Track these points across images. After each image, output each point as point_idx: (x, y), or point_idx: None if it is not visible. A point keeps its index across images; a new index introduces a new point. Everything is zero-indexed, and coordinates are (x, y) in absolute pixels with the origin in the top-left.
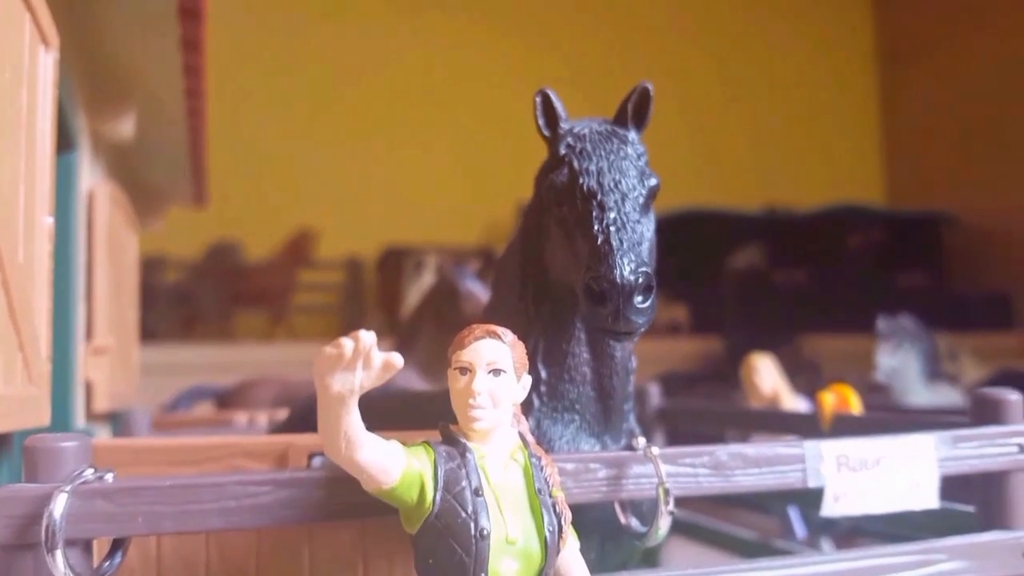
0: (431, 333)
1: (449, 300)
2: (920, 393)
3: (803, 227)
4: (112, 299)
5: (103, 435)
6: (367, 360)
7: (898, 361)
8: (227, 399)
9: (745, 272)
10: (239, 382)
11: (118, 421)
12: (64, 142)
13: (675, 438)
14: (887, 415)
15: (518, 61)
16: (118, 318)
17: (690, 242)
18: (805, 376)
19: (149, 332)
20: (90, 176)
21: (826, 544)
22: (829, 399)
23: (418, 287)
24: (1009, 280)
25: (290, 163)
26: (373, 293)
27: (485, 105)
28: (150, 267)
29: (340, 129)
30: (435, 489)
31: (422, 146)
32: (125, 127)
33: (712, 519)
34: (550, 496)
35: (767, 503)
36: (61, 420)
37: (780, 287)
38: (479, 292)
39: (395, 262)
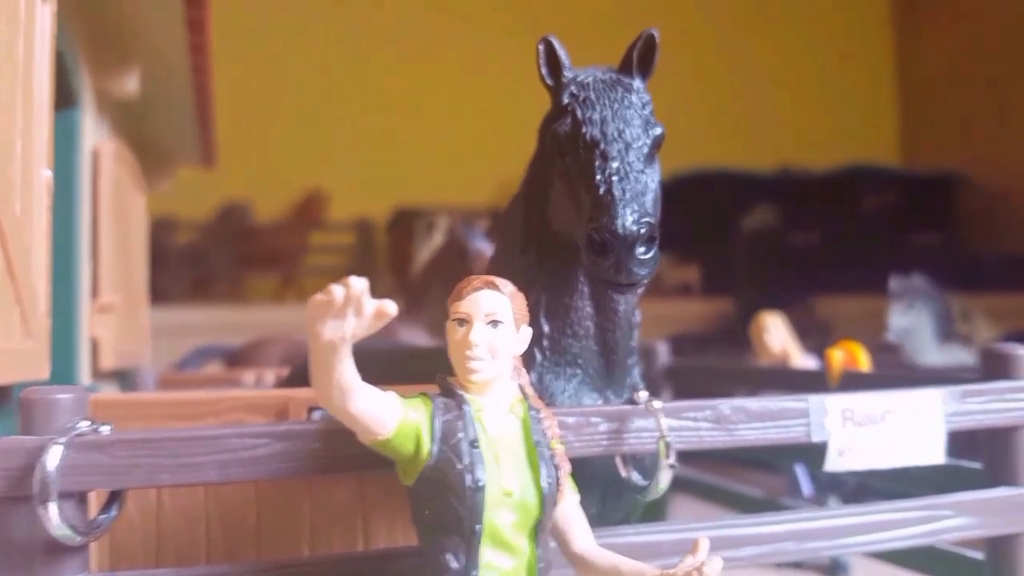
0: (441, 293)
1: (458, 259)
2: (933, 353)
3: (817, 187)
4: (118, 257)
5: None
6: (358, 307)
7: (910, 321)
8: (236, 358)
9: (758, 233)
10: (248, 341)
11: (126, 380)
12: (66, 99)
13: (683, 397)
14: (896, 372)
15: (529, 18)
16: (125, 277)
17: (702, 203)
18: (816, 337)
19: (160, 293)
20: (94, 134)
21: (833, 502)
22: (838, 356)
23: (429, 248)
24: (1023, 241)
25: (300, 124)
26: (383, 254)
27: (495, 64)
28: (160, 228)
29: (350, 90)
30: (432, 440)
31: (432, 106)
32: (129, 84)
33: (718, 478)
34: (548, 448)
35: (774, 461)
36: (65, 377)
37: (793, 248)
38: (488, 251)
39: (405, 223)
